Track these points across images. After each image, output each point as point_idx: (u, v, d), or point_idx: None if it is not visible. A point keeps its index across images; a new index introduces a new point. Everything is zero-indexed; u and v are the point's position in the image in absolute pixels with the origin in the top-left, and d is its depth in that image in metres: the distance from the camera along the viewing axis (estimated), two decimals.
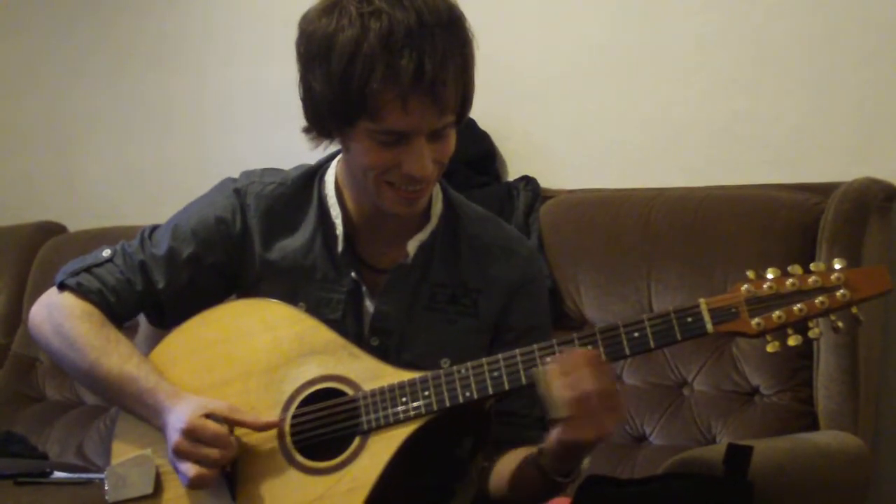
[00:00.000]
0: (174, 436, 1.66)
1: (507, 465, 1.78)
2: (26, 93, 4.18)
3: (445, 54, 1.60)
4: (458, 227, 1.84)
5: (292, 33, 1.73)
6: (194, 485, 1.66)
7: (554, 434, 1.58)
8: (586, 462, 1.64)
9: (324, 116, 1.68)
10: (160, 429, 1.72)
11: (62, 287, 1.84)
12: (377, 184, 1.69)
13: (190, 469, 1.65)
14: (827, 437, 2.19)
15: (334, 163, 1.85)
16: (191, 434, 1.65)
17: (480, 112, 2.84)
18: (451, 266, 1.82)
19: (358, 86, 1.59)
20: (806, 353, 2.26)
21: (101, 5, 3.95)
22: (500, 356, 1.65)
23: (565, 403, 1.54)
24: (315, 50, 1.64)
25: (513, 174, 3.00)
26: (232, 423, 1.68)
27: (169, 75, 3.81)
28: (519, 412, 1.82)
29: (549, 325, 1.93)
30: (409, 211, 1.74)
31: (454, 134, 1.70)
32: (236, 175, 1.90)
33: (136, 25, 3.88)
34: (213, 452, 1.65)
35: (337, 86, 1.62)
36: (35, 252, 3.68)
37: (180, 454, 1.66)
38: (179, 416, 1.67)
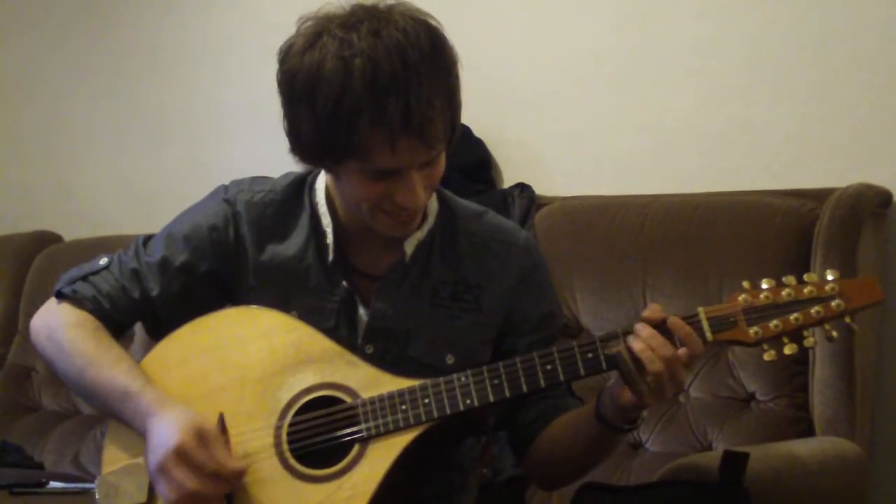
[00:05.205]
0: (160, 454, 1.63)
1: (552, 433, 1.79)
2: (22, 102, 4.19)
3: (431, 92, 1.58)
4: (454, 225, 1.85)
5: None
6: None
7: (627, 398, 1.60)
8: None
9: (311, 153, 1.68)
10: (142, 434, 1.70)
11: (59, 296, 1.84)
12: (372, 212, 1.70)
13: (175, 489, 1.62)
14: (823, 444, 2.19)
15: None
16: (182, 456, 1.62)
17: (475, 119, 2.87)
18: (450, 263, 1.83)
19: (345, 130, 1.59)
20: (802, 359, 2.26)
21: (97, 15, 3.95)
22: (500, 364, 1.66)
23: (646, 378, 1.57)
24: (300, 91, 1.62)
25: (508, 181, 3.00)
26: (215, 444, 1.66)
27: (164, 84, 3.81)
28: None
29: (560, 309, 1.94)
30: (404, 232, 1.76)
31: (443, 157, 1.70)
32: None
33: (132, 35, 3.88)
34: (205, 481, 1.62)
35: (324, 128, 1.61)
36: (31, 261, 3.69)
37: (164, 474, 1.62)
38: (169, 430, 1.64)
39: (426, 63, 1.58)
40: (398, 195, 1.65)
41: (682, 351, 1.58)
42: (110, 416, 1.78)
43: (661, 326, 1.60)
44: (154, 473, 1.65)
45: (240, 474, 1.66)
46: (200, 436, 1.63)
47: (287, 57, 1.66)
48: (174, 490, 1.62)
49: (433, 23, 1.65)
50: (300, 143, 1.68)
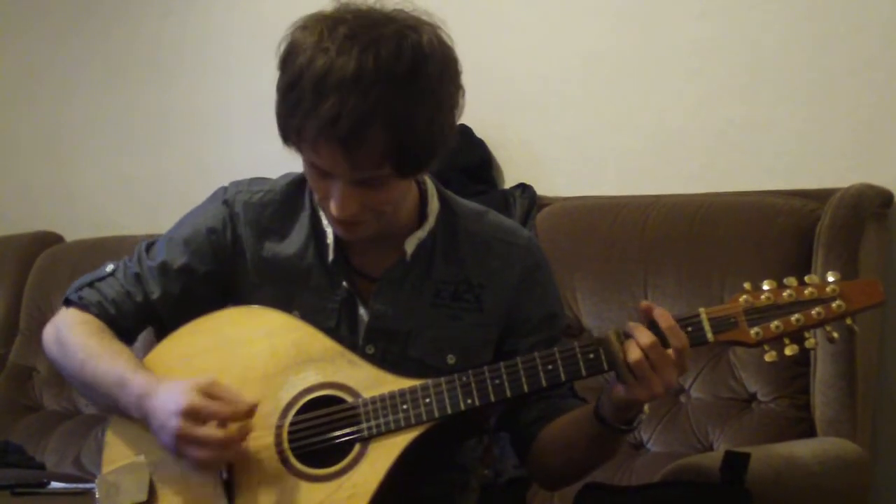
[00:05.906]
0: (172, 425, 1.63)
1: (553, 433, 1.80)
2: (23, 103, 4.19)
3: (375, 112, 1.55)
4: (455, 225, 1.84)
5: None
6: (208, 464, 1.65)
7: (619, 391, 1.62)
8: (646, 408, 1.67)
9: (278, 121, 1.68)
10: (142, 419, 1.70)
11: (67, 303, 1.87)
12: (321, 204, 1.73)
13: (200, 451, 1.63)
14: (825, 444, 2.19)
15: None
16: (191, 414, 1.63)
17: (476, 120, 2.87)
18: (452, 263, 1.82)
19: (290, 111, 1.61)
20: (803, 359, 2.26)
21: (98, 15, 3.96)
22: (501, 364, 1.66)
23: (631, 367, 1.59)
24: (284, 58, 1.65)
25: (509, 182, 3.00)
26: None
27: (165, 85, 3.81)
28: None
29: (563, 310, 1.94)
30: (347, 237, 1.75)
31: (396, 185, 1.67)
32: None
33: (133, 35, 3.88)
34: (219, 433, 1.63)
35: (280, 102, 1.64)
36: (32, 262, 3.69)
37: (184, 439, 1.63)
38: (171, 398, 1.65)
39: (387, 85, 1.56)
40: (331, 198, 1.66)
41: (670, 350, 1.59)
42: (111, 408, 1.79)
43: (655, 327, 1.61)
44: (174, 447, 1.64)
45: (255, 406, 1.66)
46: (203, 391, 1.64)
47: (296, 25, 1.67)
48: (204, 449, 1.62)
49: (428, 50, 1.60)
50: (277, 105, 1.68)
